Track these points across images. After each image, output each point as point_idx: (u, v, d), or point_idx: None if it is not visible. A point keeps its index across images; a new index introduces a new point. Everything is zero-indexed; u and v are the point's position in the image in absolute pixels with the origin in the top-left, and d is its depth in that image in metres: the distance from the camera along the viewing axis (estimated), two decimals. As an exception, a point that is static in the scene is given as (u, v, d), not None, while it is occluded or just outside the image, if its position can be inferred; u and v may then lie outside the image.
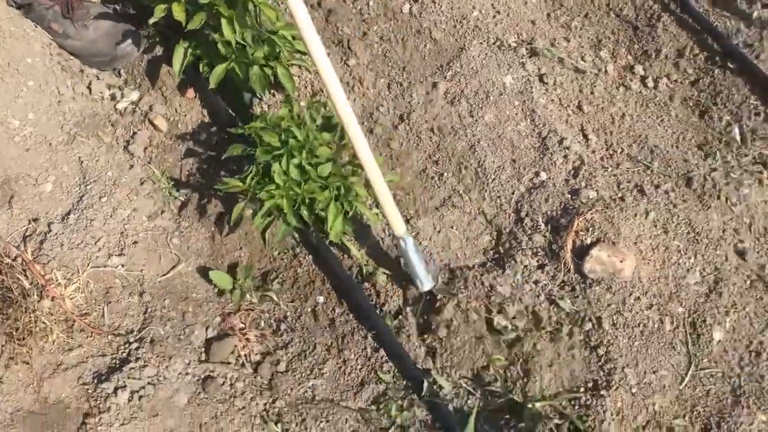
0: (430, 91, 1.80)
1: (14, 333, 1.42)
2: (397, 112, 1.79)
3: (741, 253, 1.57)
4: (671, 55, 1.90)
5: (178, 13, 1.58)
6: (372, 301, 1.55)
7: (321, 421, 1.42)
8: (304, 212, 1.51)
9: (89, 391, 1.42)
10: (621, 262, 1.51)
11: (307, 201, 1.49)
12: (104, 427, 1.37)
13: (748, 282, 1.53)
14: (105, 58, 1.81)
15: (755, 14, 1.88)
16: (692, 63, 1.88)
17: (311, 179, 1.47)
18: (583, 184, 1.66)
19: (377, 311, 1.53)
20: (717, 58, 1.85)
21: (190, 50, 1.68)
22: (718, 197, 1.63)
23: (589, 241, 1.56)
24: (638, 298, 1.50)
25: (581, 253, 1.55)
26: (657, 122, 1.81)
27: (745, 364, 1.45)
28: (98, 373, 1.45)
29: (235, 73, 1.64)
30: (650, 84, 1.87)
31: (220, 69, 1.62)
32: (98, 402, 1.41)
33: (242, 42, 1.60)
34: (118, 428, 1.38)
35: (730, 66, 1.83)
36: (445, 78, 1.82)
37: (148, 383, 1.43)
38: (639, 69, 1.89)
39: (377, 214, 1.58)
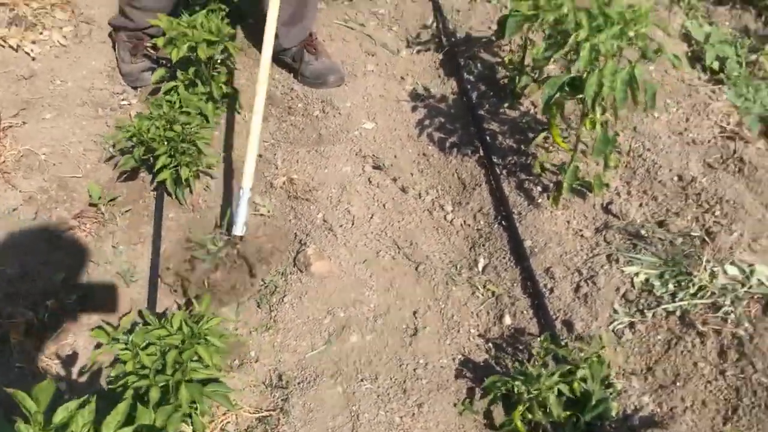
0: (308, 152, 2.55)
1: None
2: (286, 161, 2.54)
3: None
4: (473, 208, 2.54)
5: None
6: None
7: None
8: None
9: None
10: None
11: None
12: None
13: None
14: (131, 77, 2.76)
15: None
16: (485, 218, 2.50)
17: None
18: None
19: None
20: (500, 219, 2.47)
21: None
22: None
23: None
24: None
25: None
26: (436, 238, 2.41)
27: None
28: None
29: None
30: (449, 218, 2.50)
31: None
32: None
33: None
34: None
35: (504, 224, 2.43)
36: (316, 151, 2.57)
37: None
38: (448, 207, 2.54)
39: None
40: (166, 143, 2.22)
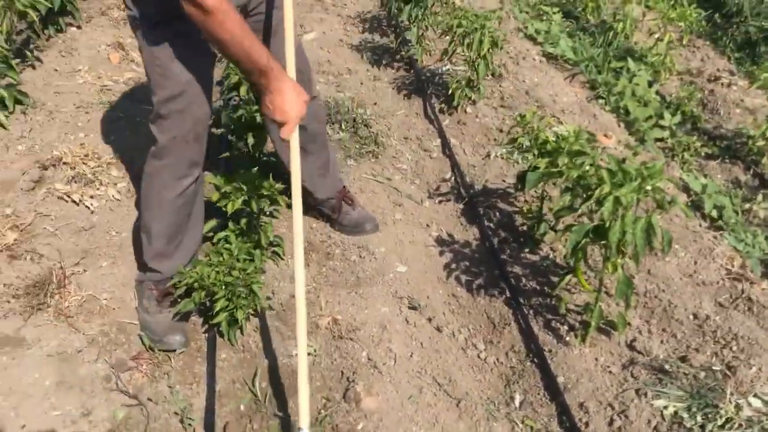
0: (348, 294, 2.74)
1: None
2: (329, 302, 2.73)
3: None
4: (505, 346, 2.70)
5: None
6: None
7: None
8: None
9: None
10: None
11: None
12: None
13: None
14: (155, 337, 2.48)
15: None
16: (516, 355, 2.65)
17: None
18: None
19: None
20: (531, 356, 2.62)
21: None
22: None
23: (370, 394, 2.27)
24: None
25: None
26: (472, 375, 2.55)
27: None
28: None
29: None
30: (482, 356, 2.65)
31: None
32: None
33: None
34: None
35: (536, 362, 2.58)
36: (355, 293, 2.76)
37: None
38: (480, 346, 2.70)
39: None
40: (224, 288, 2.41)
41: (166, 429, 2.25)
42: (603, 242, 2.32)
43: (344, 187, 3.17)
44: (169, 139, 2.35)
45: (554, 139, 2.73)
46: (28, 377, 2.25)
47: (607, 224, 2.22)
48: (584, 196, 2.24)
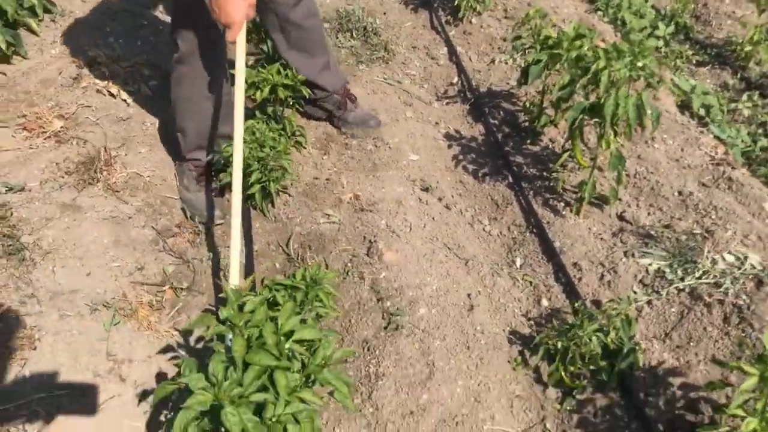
0: (366, 176, 3.02)
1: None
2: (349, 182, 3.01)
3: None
4: (507, 222, 3.00)
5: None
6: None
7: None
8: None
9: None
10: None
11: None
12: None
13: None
14: (196, 211, 2.80)
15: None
16: (517, 228, 2.96)
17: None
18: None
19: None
20: (531, 228, 2.93)
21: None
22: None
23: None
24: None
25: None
26: (478, 244, 2.86)
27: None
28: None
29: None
30: (487, 229, 2.96)
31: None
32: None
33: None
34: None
35: (535, 232, 2.89)
36: (373, 176, 3.05)
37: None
38: (485, 222, 3.00)
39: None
40: (257, 162, 2.69)
41: (212, 282, 2.56)
42: (598, 120, 2.60)
43: (346, 86, 3.35)
44: (188, 45, 2.58)
45: (555, 34, 2.97)
46: (88, 236, 2.54)
47: (602, 99, 2.49)
48: (581, 75, 2.50)
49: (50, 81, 3.41)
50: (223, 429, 1.36)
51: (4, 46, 3.44)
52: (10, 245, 2.40)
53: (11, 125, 3.10)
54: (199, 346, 2.32)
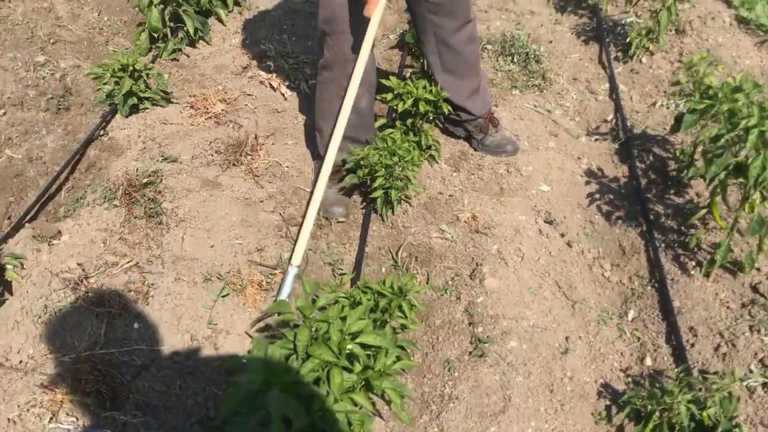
0: (490, 199, 3.03)
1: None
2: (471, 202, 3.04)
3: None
4: (630, 271, 2.86)
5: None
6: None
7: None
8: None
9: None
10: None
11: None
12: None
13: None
14: (322, 206, 2.77)
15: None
16: (639, 280, 2.81)
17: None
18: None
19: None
20: (653, 282, 2.77)
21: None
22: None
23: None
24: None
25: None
26: (592, 288, 2.76)
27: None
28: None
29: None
30: (606, 275, 2.84)
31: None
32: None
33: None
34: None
35: (656, 287, 2.73)
36: (497, 200, 3.04)
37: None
38: (606, 266, 2.89)
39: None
40: (384, 169, 2.78)
41: (320, 273, 2.69)
42: (742, 180, 2.41)
43: (491, 110, 3.36)
44: (332, 54, 2.72)
45: (718, 84, 2.79)
46: (220, 211, 2.77)
47: (749, 160, 2.31)
48: (730, 128, 2.33)
49: (223, 67, 3.75)
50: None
51: (192, 31, 3.82)
52: (152, 208, 2.68)
53: (182, 102, 3.44)
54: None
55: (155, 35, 3.86)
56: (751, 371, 2.33)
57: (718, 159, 2.41)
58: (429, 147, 3.21)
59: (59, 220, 2.73)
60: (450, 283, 2.59)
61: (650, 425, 2.09)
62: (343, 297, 1.95)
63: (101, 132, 3.21)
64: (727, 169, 2.41)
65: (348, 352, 1.58)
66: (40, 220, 2.67)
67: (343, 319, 1.65)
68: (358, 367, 1.62)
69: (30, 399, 1.99)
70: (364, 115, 2.95)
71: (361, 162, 2.83)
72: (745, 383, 2.27)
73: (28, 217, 2.69)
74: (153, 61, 3.75)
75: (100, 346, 2.16)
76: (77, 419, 1.96)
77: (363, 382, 1.61)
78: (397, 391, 1.63)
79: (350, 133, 2.78)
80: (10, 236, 2.54)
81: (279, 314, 1.72)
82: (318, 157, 3.07)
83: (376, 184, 2.80)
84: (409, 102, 3.01)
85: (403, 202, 2.97)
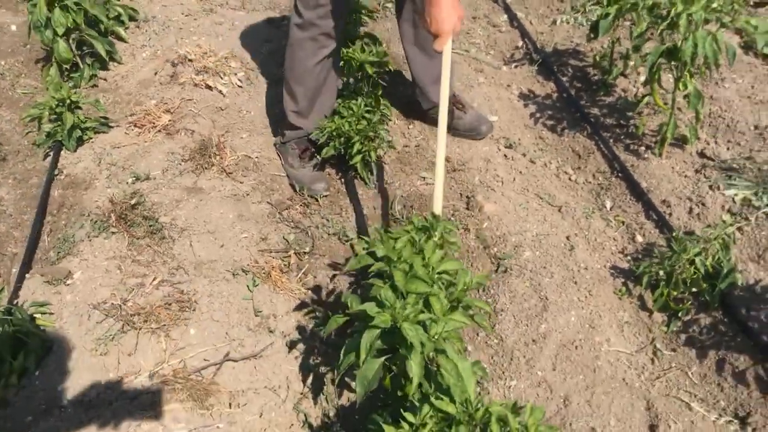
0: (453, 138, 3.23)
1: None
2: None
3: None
4: (591, 170, 3.17)
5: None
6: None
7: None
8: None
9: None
10: (500, 211, 2.70)
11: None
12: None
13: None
14: (302, 186, 3.02)
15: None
16: (602, 174, 3.13)
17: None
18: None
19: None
20: (615, 173, 3.10)
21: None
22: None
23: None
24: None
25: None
26: (566, 192, 3.05)
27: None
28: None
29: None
30: (572, 178, 3.14)
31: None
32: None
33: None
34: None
35: (620, 176, 3.06)
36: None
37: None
38: (570, 171, 3.19)
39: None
40: (358, 134, 2.92)
41: (329, 245, 2.82)
42: (675, 62, 2.75)
43: (455, 93, 3.33)
44: (311, 14, 2.79)
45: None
46: (215, 212, 2.81)
47: (681, 42, 2.64)
48: (658, 21, 2.66)
49: (147, 81, 3.70)
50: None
51: (104, 54, 3.74)
52: (151, 225, 2.69)
53: (122, 124, 3.39)
54: (330, 300, 2.58)
55: (65, 66, 3.75)
56: (724, 221, 2.69)
57: (653, 49, 2.73)
58: (379, 105, 3.37)
59: (54, 263, 2.68)
60: (452, 218, 2.79)
61: (670, 285, 2.40)
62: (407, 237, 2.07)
63: (55, 171, 3.13)
64: (662, 55, 2.73)
65: (438, 279, 1.76)
66: (45, 266, 2.62)
67: (419, 253, 1.82)
68: (444, 293, 1.79)
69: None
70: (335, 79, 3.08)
71: (334, 133, 2.95)
72: (724, 230, 2.64)
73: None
74: (73, 92, 3.64)
75: (166, 360, 2.21)
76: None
77: (455, 303, 1.79)
78: (484, 303, 1.82)
79: (327, 99, 2.93)
80: (18, 289, 2.48)
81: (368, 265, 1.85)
82: (287, 128, 3.12)
83: (353, 151, 2.93)
84: (356, 66, 3.14)
85: (379, 161, 3.12)
